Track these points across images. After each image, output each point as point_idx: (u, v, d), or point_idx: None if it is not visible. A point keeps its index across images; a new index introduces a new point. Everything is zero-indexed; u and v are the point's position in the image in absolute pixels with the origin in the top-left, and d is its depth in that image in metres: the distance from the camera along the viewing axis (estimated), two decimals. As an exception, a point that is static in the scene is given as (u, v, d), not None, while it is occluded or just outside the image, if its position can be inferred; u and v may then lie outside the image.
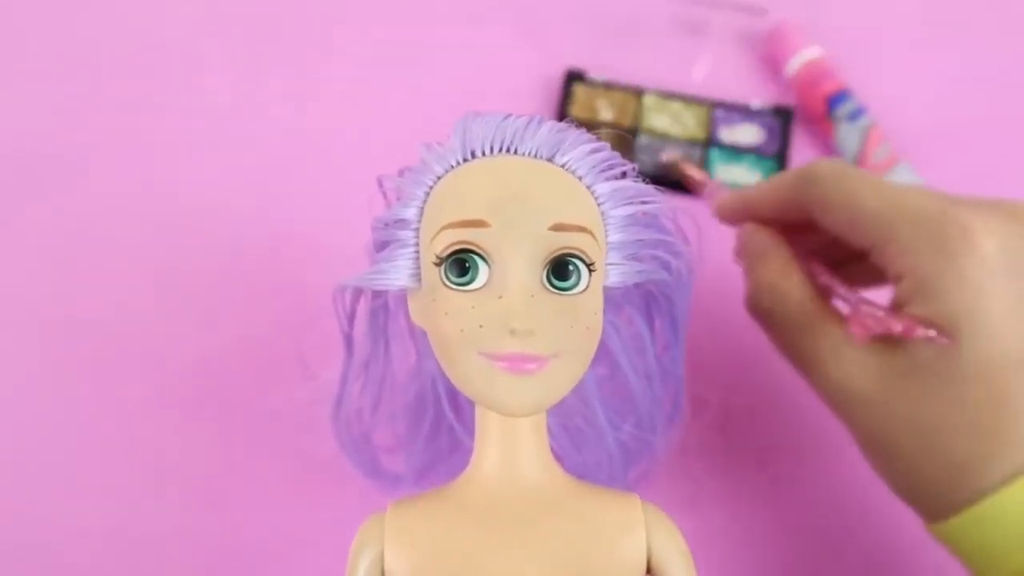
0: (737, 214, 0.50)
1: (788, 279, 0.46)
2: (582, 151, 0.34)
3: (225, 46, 0.68)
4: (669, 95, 0.67)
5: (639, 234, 0.35)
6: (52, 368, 0.55)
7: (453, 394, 0.42)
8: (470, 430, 0.42)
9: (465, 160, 0.34)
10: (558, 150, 0.34)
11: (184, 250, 0.59)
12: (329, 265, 0.51)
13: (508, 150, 0.34)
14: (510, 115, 0.34)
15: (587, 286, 0.33)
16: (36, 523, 0.51)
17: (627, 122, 0.66)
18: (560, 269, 0.32)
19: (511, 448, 0.34)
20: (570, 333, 0.32)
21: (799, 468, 0.54)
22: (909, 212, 0.41)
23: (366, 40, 0.69)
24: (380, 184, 0.38)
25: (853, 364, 0.43)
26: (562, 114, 0.65)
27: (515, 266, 0.32)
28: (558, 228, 0.32)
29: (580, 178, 0.34)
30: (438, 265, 0.32)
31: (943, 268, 0.39)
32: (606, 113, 0.66)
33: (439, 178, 0.34)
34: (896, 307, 0.42)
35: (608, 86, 0.67)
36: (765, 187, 0.49)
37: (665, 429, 0.46)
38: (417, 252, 0.34)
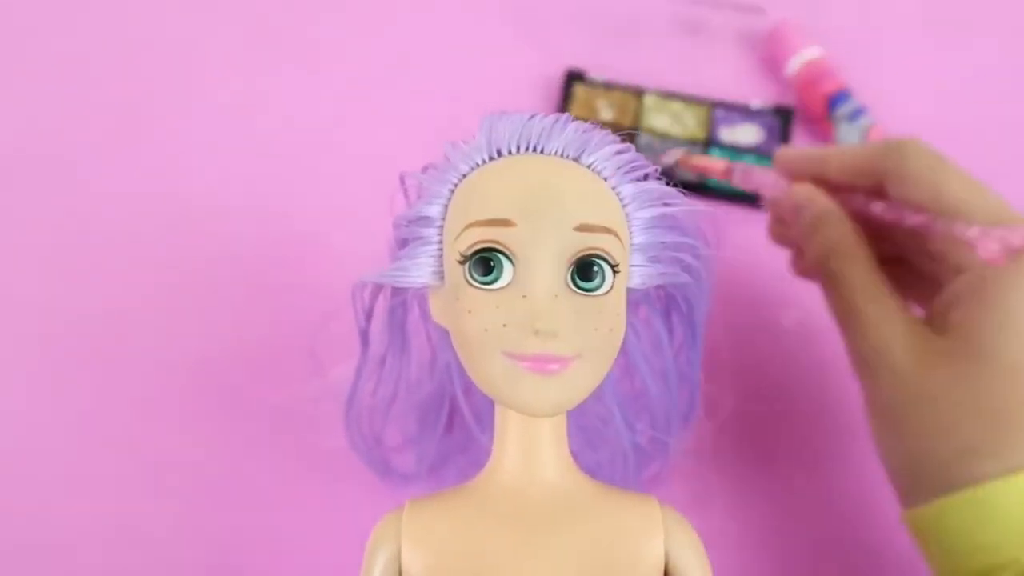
0: (801, 167, 0.51)
1: (857, 241, 0.47)
2: (608, 152, 0.34)
3: (226, 47, 0.68)
4: (669, 95, 0.67)
5: (662, 236, 0.35)
6: (52, 367, 0.55)
7: (469, 391, 0.42)
8: (484, 427, 0.42)
9: (491, 159, 0.34)
10: (584, 150, 0.34)
11: (185, 250, 0.59)
12: (330, 265, 0.51)
13: (534, 149, 0.34)
14: (536, 114, 0.34)
15: (611, 287, 0.33)
16: (36, 523, 0.51)
17: (627, 122, 0.66)
18: (584, 270, 0.32)
19: (531, 448, 0.34)
20: (593, 334, 0.32)
21: (803, 471, 0.54)
22: (991, 211, 0.43)
23: (367, 41, 0.69)
24: (402, 181, 0.38)
25: (898, 333, 0.44)
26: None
27: (540, 266, 0.32)
28: (583, 228, 0.32)
29: (605, 179, 0.34)
30: (462, 263, 0.32)
31: (1006, 269, 0.41)
32: (606, 113, 0.66)
33: (464, 176, 0.34)
34: (950, 299, 0.44)
35: (608, 86, 0.67)
36: (842, 149, 0.50)
37: (680, 431, 0.46)
38: (440, 250, 0.34)
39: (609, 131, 0.35)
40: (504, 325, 0.31)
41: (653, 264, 0.35)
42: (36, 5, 0.69)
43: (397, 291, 0.39)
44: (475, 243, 0.32)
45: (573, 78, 0.67)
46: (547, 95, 0.67)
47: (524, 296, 0.32)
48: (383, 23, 0.70)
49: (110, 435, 0.53)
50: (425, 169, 0.36)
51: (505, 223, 0.32)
